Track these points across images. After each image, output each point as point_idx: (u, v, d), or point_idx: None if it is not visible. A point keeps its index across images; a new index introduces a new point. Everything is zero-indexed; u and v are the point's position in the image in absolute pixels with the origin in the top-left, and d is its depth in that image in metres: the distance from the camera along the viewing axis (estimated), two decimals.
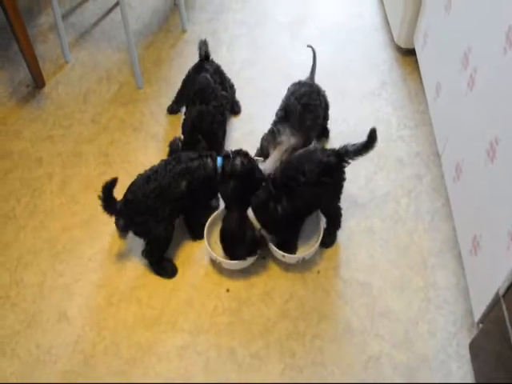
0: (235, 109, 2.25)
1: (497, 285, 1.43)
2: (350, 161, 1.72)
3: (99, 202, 1.95)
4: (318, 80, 2.40)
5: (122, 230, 1.89)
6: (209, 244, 1.79)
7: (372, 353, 1.66)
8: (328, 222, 1.84)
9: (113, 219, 1.91)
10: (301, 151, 1.78)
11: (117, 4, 2.69)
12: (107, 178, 2.01)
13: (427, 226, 1.93)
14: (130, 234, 1.90)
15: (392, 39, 2.50)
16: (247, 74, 2.41)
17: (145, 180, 1.71)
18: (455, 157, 1.81)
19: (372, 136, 1.69)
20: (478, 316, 1.59)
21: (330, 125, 2.16)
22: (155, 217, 1.70)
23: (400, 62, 2.45)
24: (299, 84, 2.00)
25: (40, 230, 1.92)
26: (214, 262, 1.83)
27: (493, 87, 1.53)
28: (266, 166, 1.86)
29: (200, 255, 1.85)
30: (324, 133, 2.16)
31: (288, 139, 1.89)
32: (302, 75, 2.41)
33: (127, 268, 1.83)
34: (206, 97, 1.96)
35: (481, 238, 1.57)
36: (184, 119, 2.00)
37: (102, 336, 1.69)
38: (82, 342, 1.68)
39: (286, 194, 1.68)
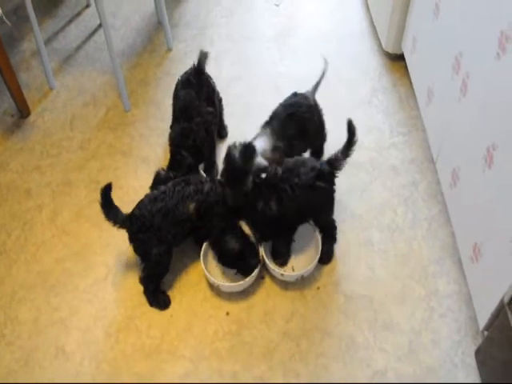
0: (222, 133, 2.21)
1: (501, 292, 1.42)
2: (341, 166, 1.72)
3: (92, 232, 1.94)
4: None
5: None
6: (206, 268, 1.76)
7: (377, 367, 1.63)
8: (323, 238, 1.81)
9: (106, 249, 1.91)
10: (293, 159, 1.78)
11: (99, 26, 2.67)
12: (98, 205, 1.98)
13: (425, 233, 1.91)
14: (124, 263, 1.88)
15: (380, 45, 2.48)
16: (236, 90, 2.39)
17: (152, 199, 1.70)
18: (451, 163, 1.79)
19: (350, 128, 1.69)
20: (482, 323, 1.57)
21: None
22: (158, 236, 1.68)
23: (389, 68, 2.44)
24: (293, 94, 1.97)
25: (32, 264, 1.89)
26: (211, 286, 1.80)
27: (487, 92, 1.52)
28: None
29: (197, 279, 1.82)
30: (318, 153, 2.10)
31: (268, 139, 1.87)
32: (292, 87, 2.39)
33: (124, 297, 1.80)
34: (189, 114, 1.94)
35: (482, 245, 1.55)
36: (169, 136, 1.98)
37: (101, 369, 1.66)
38: (81, 376, 1.65)
39: (276, 196, 1.67)
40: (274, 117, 1.92)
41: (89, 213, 2.01)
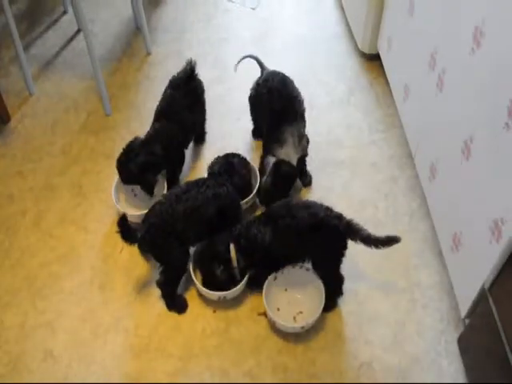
0: (199, 139, 2.22)
1: (481, 279, 1.45)
2: (354, 240, 1.64)
3: (77, 235, 1.94)
4: None
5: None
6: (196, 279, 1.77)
7: (364, 359, 1.66)
8: (326, 288, 1.74)
9: (91, 251, 1.91)
10: (306, 200, 1.75)
11: (78, 32, 2.68)
12: (82, 209, 2.02)
13: (406, 227, 1.95)
14: (110, 265, 1.88)
15: (356, 46, 2.54)
16: (216, 92, 2.41)
17: (173, 202, 1.68)
18: (429, 157, 1.83)
19: (389, 241, 1.62)
20: (464, 311, 1.61)
21: None
22: (180, 239, 1.69)
23: (365, 68, 2.49)
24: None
25: (17, 269, 1.87)
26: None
27: (463, 87, 1.56)
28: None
29: (184, 278, 1.82)
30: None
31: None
32: None
33: (111, 298, 1.80)
34: (168, 116, 1.95)
35: (461, 235, 1.59)
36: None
37: (90, 371, 1.65)
38: (70, 378, 1.64)
39: (272, 228, 1.64)
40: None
41: (73, 216, 2.00)
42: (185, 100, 1.99)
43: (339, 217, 1.63)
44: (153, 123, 1.99)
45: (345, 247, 1.67)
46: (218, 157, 1.93)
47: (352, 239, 1.64)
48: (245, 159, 1.94)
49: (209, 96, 2.34)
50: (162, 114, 1.98)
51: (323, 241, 1.64)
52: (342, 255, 1.69)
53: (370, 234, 1.62)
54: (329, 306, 1.75)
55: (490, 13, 1.39)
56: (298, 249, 1.69)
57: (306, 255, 1.71)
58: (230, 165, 1.87)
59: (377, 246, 1.62)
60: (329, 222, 1.61)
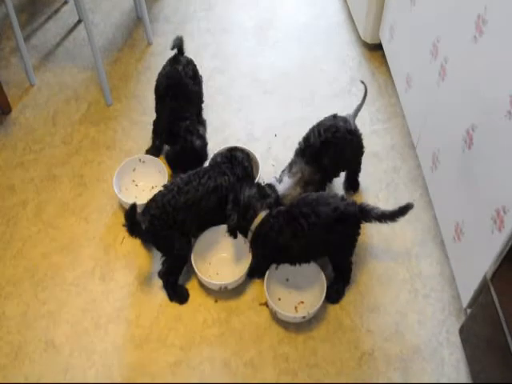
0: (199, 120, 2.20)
1: (483, 269, 1.45)
2: (370, 221, 1.63)
3: (78, 225, 1.95)
4: (289, 83, 2.42)
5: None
6: (196, 266, 1.76)
7: (365, 348, 1.66)
8: (336, 276, 1.76)
9: (92, 242, 1.91)
10: (320, 193, 1.71)
11: (78, 22, 2.67)
12: (84, 199, 2.02)
13: (408, 217, 1.90)
14: (111, 255, 1.88)
15: (358, 36, 2.52)
16: (217, 82, 2.40)
17: (175, 193, 1.68)
18: (431, 147, 1.82)
19: (403, 210, 1.60)
20: (465, 301, 1.61)
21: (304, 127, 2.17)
22: (181, 230, 1.69)
23: (367, 58, 2.47)
24: (332, 117, 1.85)
25: (19, 259, 1.87)
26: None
27: (465, 75, 1.55)
28: (280, 189, 1.79)
29: (185, 269, 1.82)
30: (352, 185, 2.02)
31: (301, 172, 1.79)
32: (271, 78, 2.43)
33: (112, 289, 1.80)
34: (177, 92, 1.95)
35: (463, 225, 1.59)
36: (156, 118, 2.00)
37: (92, 361, 1.66)
38: (72, 368, 1.65)
39: (292, 229, 1.61)
40: (309, 145, 1.79)
41: (74, 207, 2.00)
42: (185, 71, 2.00)
43: (354, 203, 1.63)
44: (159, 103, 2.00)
45: (359, 233, 1.69)
46: (222, 149, 1.93)
47: (367, 221, 1.64)
48: (248, 153, 1.92)
49: (210, 86, 2.35)
50: (167, 91, 1.97)
51: (344, 231, 1.64)
52: (356, 241, 1.70)
53: (384, 211, 1.62)
54: (336, 297, 1.76)
55: (493, 0, 1.37)
56: (322, 245, 1.66)
57: (326, 252, 1.70)
58: (232, 156, 1.86)
59: (393, 220, 1.62)
60: (349, 212, 1.61)
